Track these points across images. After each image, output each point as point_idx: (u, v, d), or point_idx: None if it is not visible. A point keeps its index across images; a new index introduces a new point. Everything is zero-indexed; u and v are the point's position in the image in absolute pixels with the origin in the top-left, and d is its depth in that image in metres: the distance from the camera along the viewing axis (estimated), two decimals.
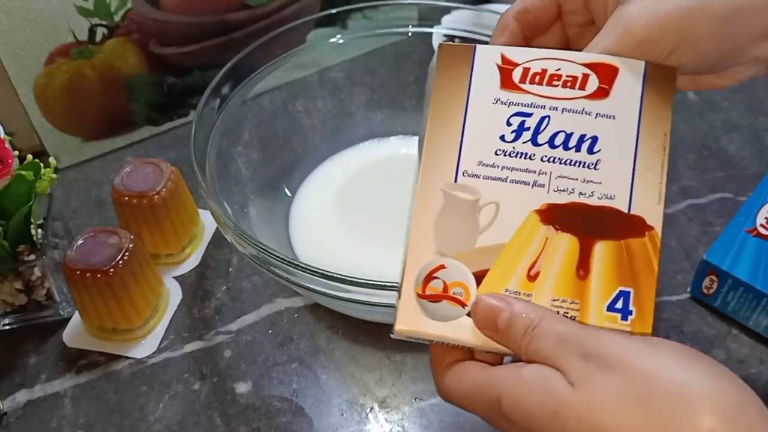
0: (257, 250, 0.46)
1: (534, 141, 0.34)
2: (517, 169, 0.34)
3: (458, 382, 0.33)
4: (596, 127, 0.34)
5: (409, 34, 0.65)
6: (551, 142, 0.34)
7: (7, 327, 0.57)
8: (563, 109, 0.34)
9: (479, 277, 0.34)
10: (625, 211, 0.34)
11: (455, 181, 0.34)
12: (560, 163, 0.34)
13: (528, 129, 0.34)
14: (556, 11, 0.39)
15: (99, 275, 0.51)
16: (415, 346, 0.55)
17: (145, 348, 0.55)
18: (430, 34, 0.66)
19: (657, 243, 0.34)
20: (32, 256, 0.54)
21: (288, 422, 0.51)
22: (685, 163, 0.67)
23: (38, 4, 0.61)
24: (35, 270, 0.54)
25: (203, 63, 0.71)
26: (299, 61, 0.63)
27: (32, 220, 0.54)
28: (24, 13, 0.61)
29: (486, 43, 0.64)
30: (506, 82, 0.35)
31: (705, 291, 0.56)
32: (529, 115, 0.34)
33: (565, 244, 0.34)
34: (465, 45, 0.36)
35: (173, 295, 0.59)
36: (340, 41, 0.64)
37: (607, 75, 0.34)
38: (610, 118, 0.34)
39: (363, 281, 0.43)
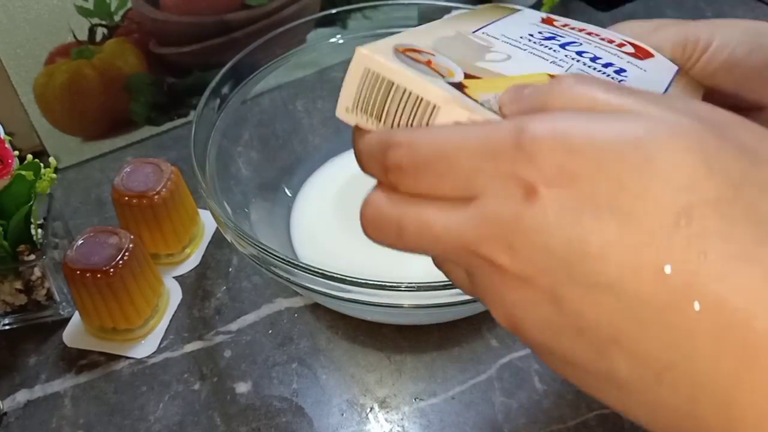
0: (257, 250, 0.46)
1: (563, 46, 0.33)
2: (539, 51, 0.32)
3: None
4: (626, 65, 0.33)
5: None
6: (579, 53, 0.33)
7: (7, 327, 0.57)
8: (597, 44, 0.34)
9: (469, 76, 0.28)
10: None
11: (473, 32, 0.32)
12: (584, 65, 0.32)
13: (558, 40, 0.34)
14: None
15: (99, 275, 0.51)
16: (415, 346, 0.55)
17: (145, 348, 0.55)
18: None
19: None
20: (32, 256, 0.54)
21: (288, 422, 0.51)
22: None
23: (38, 4, 0.61)
24: (35, 270, 0.54)
25: (203, 63, 0.71)
26: (299, 61, 0.63)
27: (32, 220, 0.54)
28: (24, 13, 0.61)
29: None
30: (547, 22, 0.36)
31: None
32: (563, 37, 0.34)
33: None
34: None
35: (173, 295, 0.59)
36: (341, 41, 0.64)
37: (643, 53, 0.35)
38: (641, 68, 0.33)
39: (363, 281, 0.43)
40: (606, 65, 0.32)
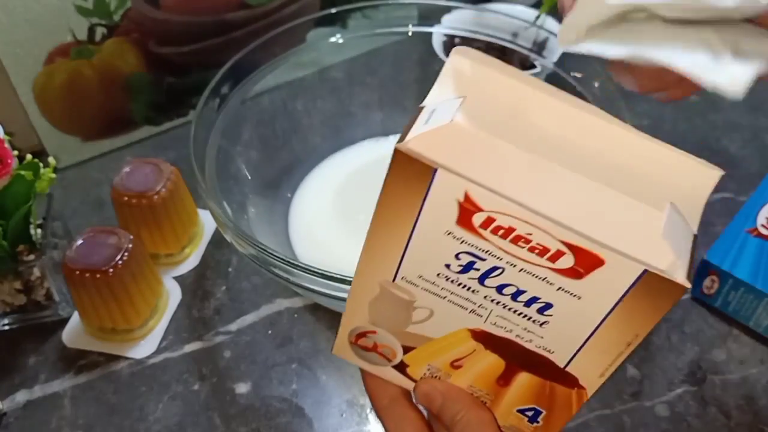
0: (257, 251, 0.46)
1: (481, 281, 0.30)
2: (457, 295, 0.31)
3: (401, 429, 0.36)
4: (554, 297, 0.29)
5: (409, 33, 0.65)
6: (499, 289, 0.30)
7: (6, 327, 0.57)
8: (522, 269, 0.29)
9: (406, 349, 0.34)
10: (561, 366, 0.32)
11: (393, 280, 0.32)
12: (504, 307, 0.30)
13: (477, 270, 0.30)
14: None
15: (98, 275, 0.51)
16: None
17: (144, 348, 0.55)
18: (430, 33, 0.66)
19: (583, 399, 0.33)
20: (31, 256, 0.54)
21: (288, 423, 0.51)
22: None
23: (38, 4, 0.61)
24: (34, 270, 0.54)
25: (203, 62, 0.71)
26: (299, 61, 0.63)
27: (31, 220, 0.54)
28: (23, 13, 0.61)
29: (486, 43, 0.65)
30: (464, 221, 0.28)
31: (706, 291, 0.55)
32: (483, 259, 0.29)
33: (491, 360, 0.33)
34: (424, 162, 0.27)
35: (173, 295, 0.59)
36: (340, 41, 0.63)
37: (587, 261, 0.28)
38: (574, 297, 0.29)
39: None
40: (529, 302, 0.30)
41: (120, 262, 0.52)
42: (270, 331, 0.56)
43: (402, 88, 0.67)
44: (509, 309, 0.31)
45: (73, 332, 0.56)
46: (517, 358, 0.33)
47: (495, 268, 0.29)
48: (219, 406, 0.52)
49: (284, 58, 0.61)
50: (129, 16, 0.66)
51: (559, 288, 0.29)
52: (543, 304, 0.30)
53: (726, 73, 0.32)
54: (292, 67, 0.62)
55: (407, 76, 0.68)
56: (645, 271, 0.27)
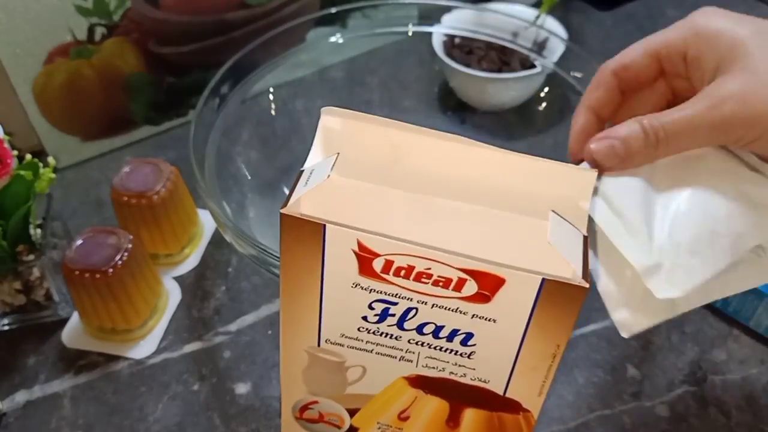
0: (257, 251, 0.46)
1: (400, 326, 0.30)
2: (382, 345, 0.31)
3: None
4: (473, 326, 0.30)
5: (409, 33, 0.65)
6: (419, 330, 0.30)
7: (6, 327, 0.57)
8: (434, 304, 0.29)
9: (352, 412, 0.34)
10: (500, 393, 0.32)
11: (318, 345, 0.32)
12: (429, 347, 0.31)
13: (393, 315, 0.30)
14: (657, 69, 0.37)
15: (98, 275, 0.51)
16: None
17: (144, 348, 0.55)
18: (430, 33, 0.66)
19: (531, 422, 0.33)
20: (31, 256, 0.54)
21: None
22: None
23: (37, 4, 0.61)
24: (34, 270, 0.54)
25: (202, 62, 0.71)
26: (299, 61, 0.63)
27: (31, 220, 0.54)
28: (23, 13, 0.61)
29: (486, 43, 0.65)
30: (365, 270, 0.29)
31: None
32: (394, 303, 0.30)
33: (435, 404, 0.33)
34: (311, 221, 0.29)
35: (172, 295, 0.59)
36: (340, 40, 0.63)
37: (489, 283, 0.29)
38: (489, 321, 0.30)
39: None
40: (451, 336, 0.30)
41: (120, 262, 0.52)
42: (270, 332, 0.56)
43: (402, 88, 0.67)
44: (435, 347, 0.31)
45: (73, 332, 0.56)
46: (458, 396, 0.33)
47: (409, 310, 0.30)
48: (219, 407, 0.52)
49: (284, 58, 0.61)
50: (129, 16, 0.66)
51: (473, 315, 0.29)
52: (464, 335, 0.30)
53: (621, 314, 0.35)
54: (291, 66, 0.62)
55: (407, 76, 0.68)
56: (543, 279, 0.28)
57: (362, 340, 0.32)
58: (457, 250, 0.28)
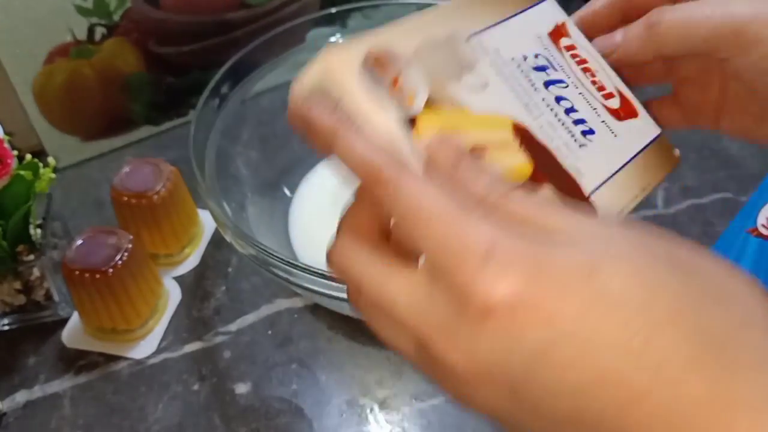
0: (257, 251, 0.45)
1: (546, 85, 0.33)
2: (520, 84, 0.32)
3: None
4: (598, 126, 0.34)
5: None
6: (558, 99, 0.33)
7: (6, 327, 0.57)
8: (582, 92, 0.34)
9: (430, 104, 0.29)
10: (585, 194, 0.32)
11: (468, 38, 0.32)
12: (556, 117, 0.33)
13: (547, 74, 0.34)
14: None
15: (98, 275, 0.51)
16: None
17: (144, 348, 0.55)
18: None
19: None
20: (31, 256, 0.54)
21: (288, 423, 0.51)
22: (686, 163, 0.67)
23: (37, 4, 0.61)
24: (34, 270, 0.54)
25: (202, 62, 0.71)
26: (299, 61, 0.62)
27: (31, 220, 0.54)
28: (23, 13, 0.61)
29: None
30: (554, 36, 0.35)
31: None
32: (555, 69, 0.34)
33: (520, 160, 0.31)
34: None
35: (172, 295, 0.58)
36: (340, 41, 0.63)
37: (628, 110, 0.35)
38: (612, 133, 0.34)
39: None
40: (577, 122, 0.33)
41: (120, 262, 0.52)
42: (270, 332, 0.56)
43: None
44: (559, 120, 0.33)
45: (73, 332, 0.56)
46: (547, 168, 0.31)
47: (561, 81, 0.34)
48: (219, 407, 0.52)
49: (284, 58, 0.61)
50: (129, 16, 0.66)
51: (603, 120, 0.34)
52: (587, 129, 0.34)
53: None
54: (291, 66, 0.62)
55: None
56: (660, 134, 0.36)
57: (508, 66, 0.33)
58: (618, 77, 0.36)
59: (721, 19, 0.32)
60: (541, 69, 0.34)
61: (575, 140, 0.33)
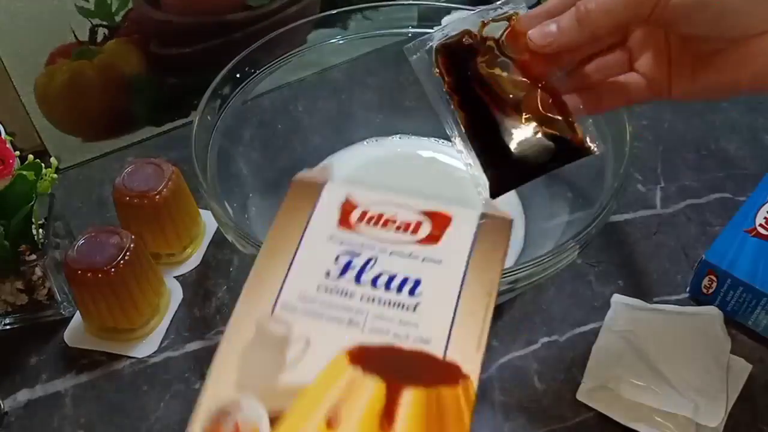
0: (258, 250, 0.46)
1: (357, 279, 0.34)
2: (335, 306, 0.34)
3: None
4: (421, 270, 0.34)
5: (409, 34, 0.65)
6: (374, 282, 0.34)
7: (8, 327, 0.57)
8: (391, 252, 0.34)
9: (275, 419, 0.31)
10: (440, 356, 0.33)
11: (272, 312, 0.33)
12: (379, 303, 0.33)
13: (353, 268, 0.34)
14: None
15: (100, 275, 0.51)
16: None
17: (146, 347, 0.55)
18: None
19: (471, 395, 0.32)
20: (33, 256, 0.54)
21: None
22: (684, 163, 0.67)
23: (39, 5, 0.61)
24: (36, 270, 0.54)
25: (204, 63, 0.71)
26: (300, 62, 0.63)
27: (33, 220, 0.54)
28: (25, 14, 0.61)
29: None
30: (343, 222, 0.35)
31: (704, 291, 0.56)
32: (358, 254, 0.34)
33: (371, 388, 0.32)
34: (316, 181, 0.36)
35: (174, 294, 0.59)
36: (341, 42, 0.64)
37: (440, 223, 0.35)
38: (436, 262, 0.34)
39: None
40: (401, 286, 0.34)
41: (121, 261, 0.52)
42: None
43: (402, 88, 0.67)
44: (384, 303, 0.33)
45: (75, 332, 0.56)
46: (396, 370, 0.32)
47: (369, 260, 0.34)
48: None
49: (285, 59, 0.61)
50: (130, 17, 0.66)
51: (423, 259, 0.34)
52: (413, 284, 0.34)
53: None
54: (293, 68, 0.63)
55: (407, 76, 0.68)
56: (481, 213, 0.35)
57: (317, 302, 0.34)
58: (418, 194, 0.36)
59: None
60: (346, 269, 0.34)
61: (407, 308, 0.33)
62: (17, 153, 0.52)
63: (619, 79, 0.41)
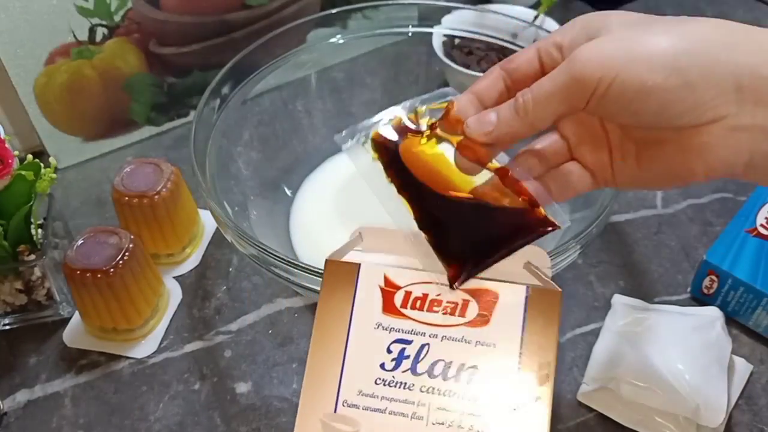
0: (257, 250, 0.46)
1: (413, 370, 0.34)
2: (396, 400, 0.34)
3: None
4: (476, 355, 0.34)
5: (409, 34, 0.65)
6: (430, 371, 0.34)
7: (7, 327, 0.57)
8: (443, 336, 0.34)
9: None
10: None
11: (335, 410, 0.34)
12: (439, 394, 0.34)
13: (408, 357, 0.34)
14: (540, 65, 0.37)
15: (99, 275, 0.51)
16: None
17: (145, 348, 0.55)
18: (430, 34, 0.66)
19: None
20: (32, 256, 0.54)
21: (288, 422, 0.51)
22: None
23: (38, 4, 0.61)
24: (35, 270, 0.54)
25: (203, 63, 0.71)
26: (299, 61, 0.63)
27: (32, 220, 0.54)
28: (24, 13, 0.61)
29: (485, 43, 0.65)
30: (388, 307, 0.35)
31: (705, 291, 0.56)
32: (410, 342, 0.34)
33: None
34: (350, 263, 0.36)
35: (173, 295, 0.59)
36: (341, 41, 0.63)
37: (487, 301, 0.34)
38: (490, 346, 0.34)
39: None
40: (458, 373, 0.33)
41: (121, 262, 0.52)
42: (270, 331, 0.56)
43: (402, 88, 0.67)
44: (444, 393, 0.33)
45: (74, 332, 0.56)
46: None
47: (422, 347, 0.34)
48: (219, 406, 0.52)
49: (285, 59, 0.61)
50: (130, 16, 0.66)
51: (476, 343, 0.34)
52: (470, 370, 0.33)
53: None
54: (292, 67, 0.62)
55: (407, 76, 0.68)
56: (527, 286, 0.34)
57: (378, 397, 0.34)
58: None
59: (567, 76, 0.33)
60: (400, 359, 0.34)
61: (468, 399, 0.33)
62: (16, 153, 0.52)
63: (561, 169, 0.38)
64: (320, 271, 0.44)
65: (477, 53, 0.68)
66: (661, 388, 0.48)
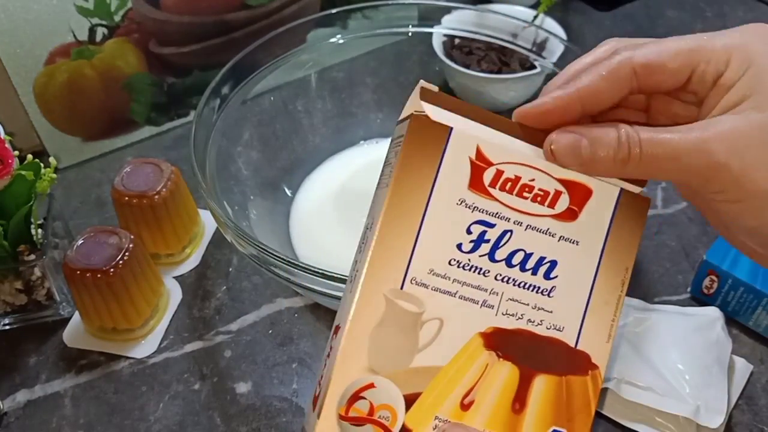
0: (257, 250, 0.46)
1: (491, 256, 0.32)
2: (468, 285, 0.32)
3: None
4: (558, 251, 0.32)
5: (409, 34, 0.65)
6: (509, 260, 0.32)
7: (7, 327, 0.57)
8: (528, 225, 0.32)
9: (410, 400, 0.31)
10: (572, 345, 0.32)
11: (401, 287, 0.31)
12: (514, 284, 0.32)
13: (488, 241, 0.32)
14: (684, 81, 0.31)
15: (99, 275, 0.51)
16: None
17: (145, 348, 0.55)
18: (430, 34, 0.66)
19: (598, 384, 0.33)
20: (32, 256, 0.54)
21: (288, 422, 0.51)
22: None
23: (38, 4, 0.61)
24: (35, 270, 0.54)
25: (203, 63, 0.71)
26: (299, 61, 0.63)
27: (32, 220, 0.54)
28: (24, 13, 0.61)
29: (485, 43, 0.65)
30: (475, 183, 0.31)
31: (705, 291, 0.56)
32: (492, 225, 0.32)
33: (505, 373, 0.32)
34: (440, 124, 0.31)
35: (173, 295, 0.59)
36: (341, 41, 0.64)
37: (579, 196, 0.32)
38: (573, 243, 0.32)
39: None
40: (536, 267, 0.32)
41: (121, 262, 0.52)
42: (270, 331, 0.56)
43: (402, 88, 0.67)
44: (519, 284, 0.32)
45: (74, 332, 0.56)
46: (530, 356, 0.32)
47: (504, 233, 0.32)
48: (219, 406, 0.52)
49: (285, 59, 0.61)
50: (130, 16, 0.66)
51: (561, 237, 0.32)
52: (549, 264, 0.32)
53: None
54: (292, 67, 0.62)
55: (407, 76, 0.68)
56: (621, 190, 0.32)
57: (449, 278, 0.32)
58: None
59: (702, 161, 0.29)
60: (479, 242, 0.31)
61: (543, 292, 0.32)
62: (16, 153, 0.52)
63: None
64: (320, 271, 0.44)
65: (477, 53, 0.68)
66: (661, 389, 0.48)
